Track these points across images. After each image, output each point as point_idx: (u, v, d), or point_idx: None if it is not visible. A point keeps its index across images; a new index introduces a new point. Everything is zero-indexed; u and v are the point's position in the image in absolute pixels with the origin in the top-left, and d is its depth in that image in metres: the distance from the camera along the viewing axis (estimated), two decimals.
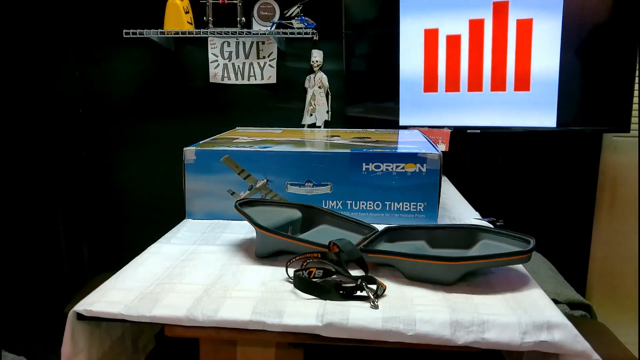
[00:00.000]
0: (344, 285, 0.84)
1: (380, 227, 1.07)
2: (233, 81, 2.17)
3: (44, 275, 2.23)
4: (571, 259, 2.14)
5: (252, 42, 2.14)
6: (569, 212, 2.14)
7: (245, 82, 2.17)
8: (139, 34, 1.96)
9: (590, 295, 2.12)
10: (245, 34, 2.02)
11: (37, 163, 2.20)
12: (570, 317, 0.82)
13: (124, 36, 1.96)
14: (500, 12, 1.82)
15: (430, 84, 1.91)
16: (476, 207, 1.41)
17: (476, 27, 1.84)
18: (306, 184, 1.24)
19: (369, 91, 2.04)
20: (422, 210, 1.22)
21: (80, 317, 0.82)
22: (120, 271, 0.97)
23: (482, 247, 0.97)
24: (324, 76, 2.11)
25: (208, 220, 1.26)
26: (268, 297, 0.84)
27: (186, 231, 1.19)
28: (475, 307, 0.80)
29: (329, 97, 2.11)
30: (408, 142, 1.40)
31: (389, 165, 1.19)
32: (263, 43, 2.14)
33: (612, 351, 0.92)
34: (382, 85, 1.99)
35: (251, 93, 2.18)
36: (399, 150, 1.22)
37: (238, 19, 2.00)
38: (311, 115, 2.12)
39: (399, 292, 0.86)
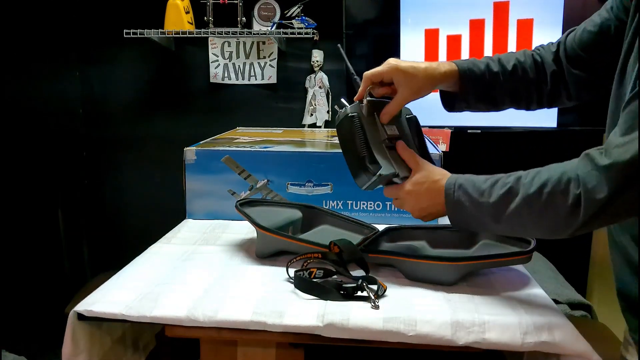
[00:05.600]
0: (344, 285, 0.84)
1: (380, 227, 1.07)
2: (233, 81, 2.17)
3: (44, 275, 2.23)
4: (571, 259, 2.13)
5: (253, 42, 2.14)
6: None
7: (246, 82, 2.17)
8: (140, 34, 1.96)
9: (591, 295, 2.12)
10: (246, 34, 2.02)
11: (38, 163, 2.20)
12: (570, 317, 0.82)
13: (125, 36, 1.96)
14: (500, 12, 1.82)
15: None
16: None
17: (477, 27, 1.84)
18: (307, 184, 1.24)
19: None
20: None
21: (80, 317, 0.81)
22: (120, 271, 0.97)
23: (483, 248, 0.97)
24: (325, 76, 2.11)
25: (208, 221, 1.26)
26: (268, 297, 0.84)
27: (187, 231, 1.19)
28: (475, 307, 0.80)
29: (330, 97, 2.11)
30: None
31: None
32: (263, 43, 2.14)
33: (612, 351, 0.92)
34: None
35: (251, 93, 2.18)
36: None
37: (238, 19, 2.00)
38: (311, 115, 2.12)
39: (400, 292, 0.86)
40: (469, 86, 0.93)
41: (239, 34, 2.03)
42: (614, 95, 0.78)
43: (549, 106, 0.98)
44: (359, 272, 0.92)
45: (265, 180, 1.24)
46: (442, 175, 0.84)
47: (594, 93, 0.91)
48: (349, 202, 1.24)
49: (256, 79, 2.17)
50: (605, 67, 0.83)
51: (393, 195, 0.90)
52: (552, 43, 0.95)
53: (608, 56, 0.81)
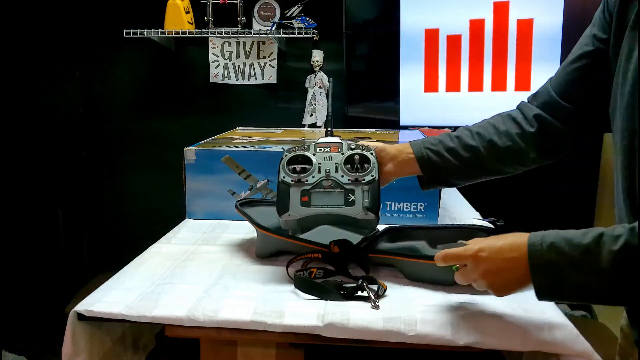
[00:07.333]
0: (344, 285, 0.84)
1: (380, 227, 1.07)
2: (233, 81, 2.17)
3: (44, 275, 2.23)
4: None
5: (253, 42, 2.14)
6: (570, 212, 2.13)
7: (246, 82, 2.17)
8: (140, 34, 1.96)
9: None
10: (246, 34, 2.02)
11: (38, 163, 2.20)
12: (570, 317, 0.82)
13: (125, 36, 1.96)
14: (500, 12, 1.82)
15: (430, 84, 1.91)
16: (476, 207, 1.40)
17: (477, 27, 1.84)
18: None
19: (370, 91, 2.04)
20: (422, 210, 1.22)
21: (80, 317, 0.82)
22: (120, 271, 0.97)
23: None
24: (325, 76, 2.10)
25: (208, 221, 1.26)
26: (269, 297, 0.84)
27: (187, 231, 1.19)
28: (476, 307, 0.80)
29: (330, 97, 2.11)
30: None
31: None
32: (263, 43, 2.14)
33: (612, 351, 0.92)
34: (382, 85, 1.99)
35: (251, 93, 2.18)
36: None
37: (239, 19, 2.00)
38: (311, 115, 2.12)
39: (400, 292, 0.86)
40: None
41: (239, 34, 2.03)
42: (614, 97, 0.78)
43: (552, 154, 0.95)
44: (359, 272, 0.92)
45: (265, 180, 1.24)
46: (517, 236, 0.68)
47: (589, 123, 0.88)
48: None
49: (256, 79, 2.17)
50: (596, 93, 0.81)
51: (465, 281, 0.74)
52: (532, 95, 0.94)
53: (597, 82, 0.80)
